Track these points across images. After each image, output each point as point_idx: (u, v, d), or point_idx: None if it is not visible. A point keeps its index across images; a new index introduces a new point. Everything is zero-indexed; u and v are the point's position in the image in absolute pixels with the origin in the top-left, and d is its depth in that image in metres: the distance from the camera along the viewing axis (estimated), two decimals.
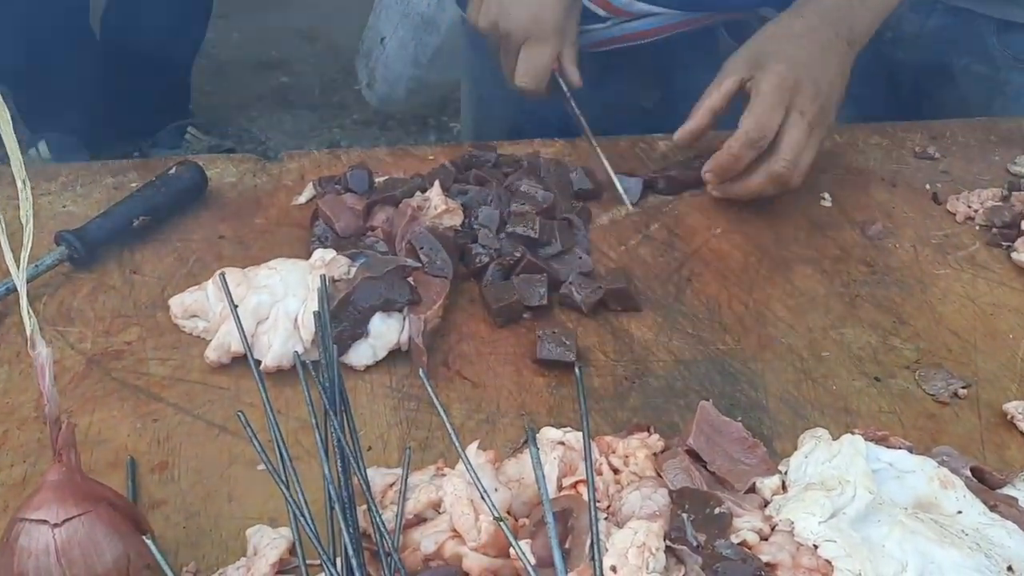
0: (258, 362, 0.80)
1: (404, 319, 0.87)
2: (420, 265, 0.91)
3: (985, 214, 1.08)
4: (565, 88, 1.13)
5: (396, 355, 0.86)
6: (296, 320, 0.83)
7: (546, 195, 1.00)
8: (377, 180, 1.03)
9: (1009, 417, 0.83)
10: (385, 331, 0.86)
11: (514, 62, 1.12)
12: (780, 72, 1.00)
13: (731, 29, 1.26)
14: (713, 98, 1.04)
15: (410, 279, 0.89)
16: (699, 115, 1.04)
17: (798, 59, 1.01)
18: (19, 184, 0.55)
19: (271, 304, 0.84)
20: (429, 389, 0.68)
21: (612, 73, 1.26)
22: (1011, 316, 0.95)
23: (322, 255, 0.90)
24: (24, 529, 0.59)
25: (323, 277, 0.84)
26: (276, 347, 0.82)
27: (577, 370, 0.72)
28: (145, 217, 0.98)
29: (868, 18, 1.07)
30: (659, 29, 1.25)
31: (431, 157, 1.13)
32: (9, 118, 0.54)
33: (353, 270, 0.89)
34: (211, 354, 0.83)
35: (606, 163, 1.09)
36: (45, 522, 0.59)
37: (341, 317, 0.83)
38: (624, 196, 1.07)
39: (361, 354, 0.84)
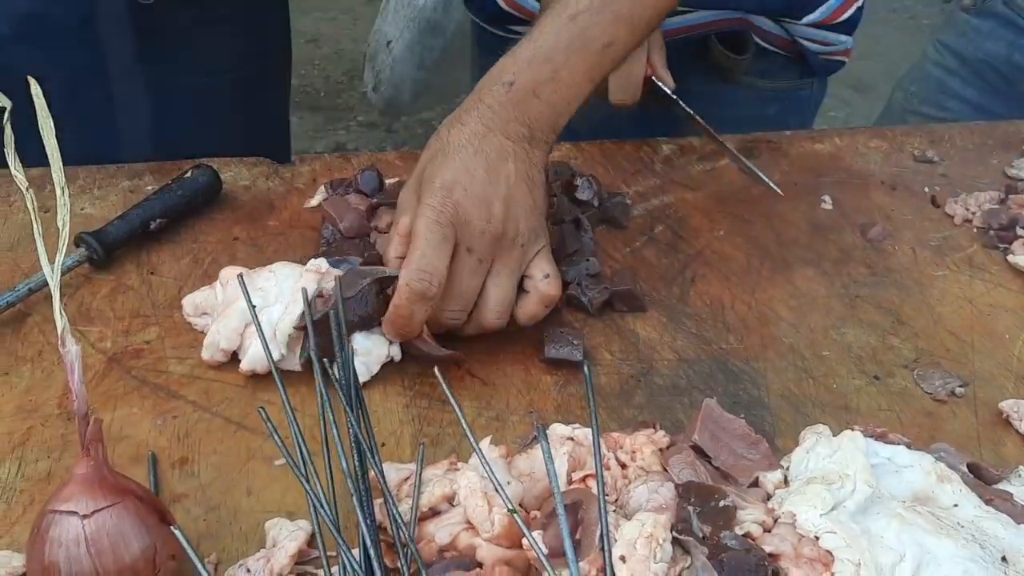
0: (276, 362, 0.82)
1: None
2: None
3: (983, 217, 1.10)
4: (668, 91, 1.12)
5: (407, 354, 0.88)
6: (275, 327, 0.83)
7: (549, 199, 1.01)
8: (388, 182, 1.05)
9: (1005, 415, 0.85)
10: (372, 347, 0.85)
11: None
12: (433, 206, 0.82)
13: (722, 38, 1.28)
14: (395, 246, 0.87)
15: (390, 289, 0.86)
16: (390, 265, 0.88)
17: (457, 181, 0.83)
18: (58, 190, 0.57)
19: (261, 308, 0.84)
20: (443, 385, 0.70)
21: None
22: (1008, 316, 0.97)
23: (317, 264, 0.89)
24: (55, 520, 0.61)
25: (338, 278, 0.85)
26: (252, 351, 0.83)
27: (585, 368, 0.74)
28: (162, 219, 1.00)
29: (548, 113, 0.87)
30: None
31: None
32: (52, 127, 0.56)
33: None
34: (204, 353, 0.85)
35: (742, 158, 1.12)
36: (75, 513, 0.61)
37: (323, 334, 0.82)
38: (774, 186, 1.10)
39: (358, 371, 0.83)
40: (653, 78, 1.12)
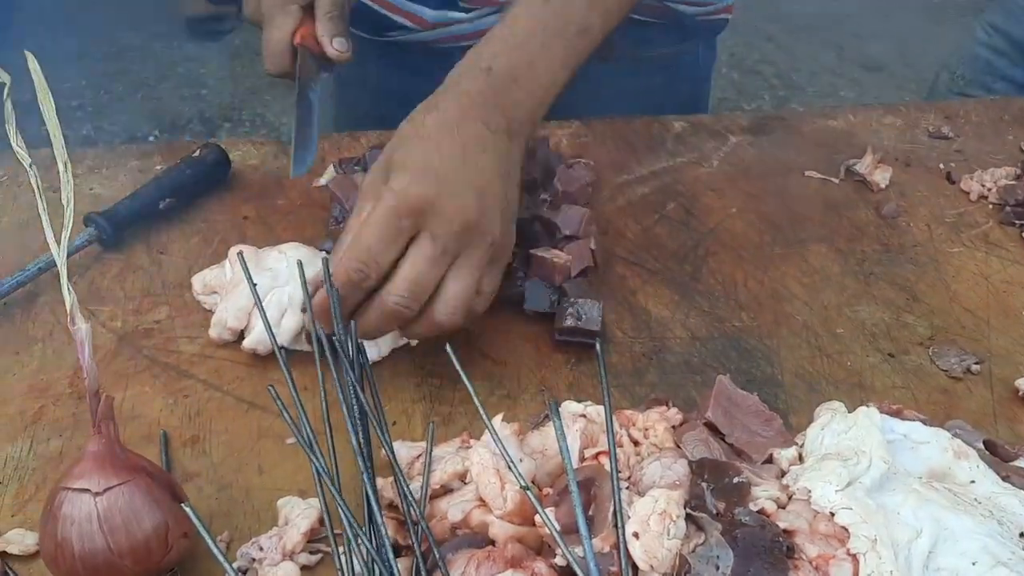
0: (281, 344, 0.81)
1: None
2: None
3: (999, 193, 1.08)
4: (313, 68, 0.95)
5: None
6: (287, 307, 0.83)
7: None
8: None
9: (1021, 393, 0.84)
10: None
11: None
12: (398, 193, 0.76)
13: None
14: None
15: None
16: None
17: (429, 166, 0.77)
18: (60, 166, 0.56)
19: (270, 288, 0.84)
20: (455, 363, 0.69)
21: None
22: None
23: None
24: (67, 498, 0.61)
25: (325, 260, 0.83)
26: (257, 330, 0.83)
27: (598, 346, 0.73)
28: (171, 199, 1.00)
29: (527, 101, 0.84)
30: None
31: None
32: (52, 102, 0.56)
33: None
34: (211, 331, 0.85)
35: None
36: (87, 491, 0.61)
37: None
38: (292, 166, 0.94)
39: (368, 352, 0.82)
40: (304, 45, 0.95)
